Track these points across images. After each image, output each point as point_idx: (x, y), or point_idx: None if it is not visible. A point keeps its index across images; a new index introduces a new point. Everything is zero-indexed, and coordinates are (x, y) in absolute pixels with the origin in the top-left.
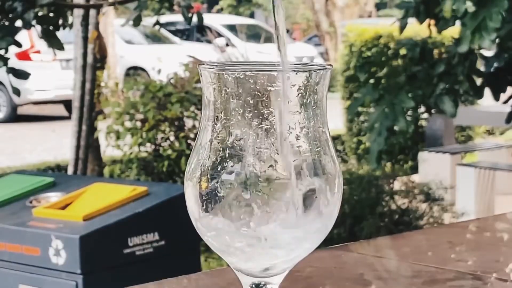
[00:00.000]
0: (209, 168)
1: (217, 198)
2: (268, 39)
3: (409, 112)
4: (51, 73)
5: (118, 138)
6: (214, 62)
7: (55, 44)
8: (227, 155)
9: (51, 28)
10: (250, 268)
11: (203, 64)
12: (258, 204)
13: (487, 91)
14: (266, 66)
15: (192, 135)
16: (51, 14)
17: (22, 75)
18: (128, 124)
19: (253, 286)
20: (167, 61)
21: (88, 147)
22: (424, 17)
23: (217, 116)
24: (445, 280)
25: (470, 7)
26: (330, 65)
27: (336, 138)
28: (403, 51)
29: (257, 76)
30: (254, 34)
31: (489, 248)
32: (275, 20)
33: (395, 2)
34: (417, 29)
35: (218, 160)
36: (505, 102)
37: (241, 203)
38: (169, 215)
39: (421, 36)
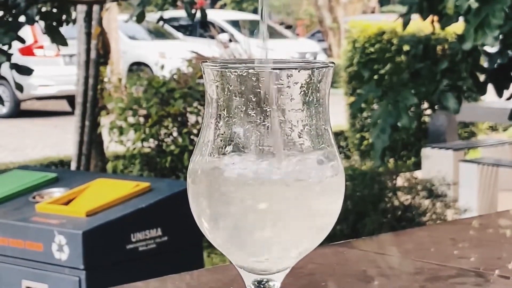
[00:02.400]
0: (212, 165)
1: (219, 195)
2: (271, 35)
3: (412, 108)
4: (54, 68)
5: (121, 133)
6: (217, 59)
7: (59, 39)
8: (230, 152)
9: (54, 23)
10: (252, 262)
11: (206, 61)
12: (261, 202)
13: (490, 88)
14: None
15: (195, 131)
16: (55, 10)
17: (25, 71)
18: (131, 119)
19: (256, 283)
20: (170, 56)
21: (91, 142)
22: (427, 13)
23: (220, 114)
24: (447, 277)
25: (473, 3)
26: (333, 62)
27: (339, 134)
28: (406, 47)
29: (259, 73)
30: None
31: (491, 245)
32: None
33: None
34: (420, 25)
35: (221, 158)
36: (508, 98)
37: (244, 201)
38: (172, 211)
39: (424, 32)
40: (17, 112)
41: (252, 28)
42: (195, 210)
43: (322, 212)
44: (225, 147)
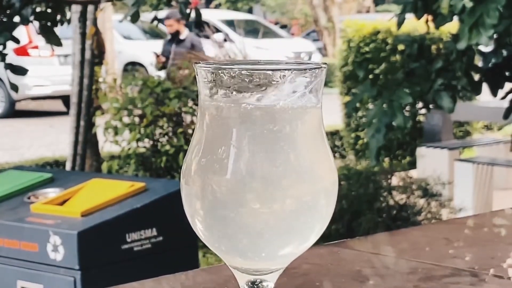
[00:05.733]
0: (205, 166)
1: (212, 195)
2: (266, 35)
3: (407, 108)
4: (49, 68)
5: (116, 133)
6: (210, 61)
7: (53, 39)
8: (223, 153)
9: (49, 24)
10: (246, 263)
11: (199, 63)
12: (253, 202)
13: (485, 87)
14: (262, 65)
15: (190, 131)
16: (49, 10)
17: (20, 71)
18: (126, 119)
19: (249, 283)
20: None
21: (86, 142)
22: (422, 13)
23: None
24: (441, 277)
25: (467, 3)
26: (325, 63)
27: (334, 134)
28: (401, 47)
29: (252, 74)
30: (252, 30)
31: (486, 244)
32: None
33: None
34: (415, 24)
35: (214, 158)
36: (503, 97)
37: (237, 202)
38: (167, 211)
39: (419, 32)
40: (12, 112)
41: (247, 28)
42: (188, 211)
43: (312, 204)
44: (218, 148)
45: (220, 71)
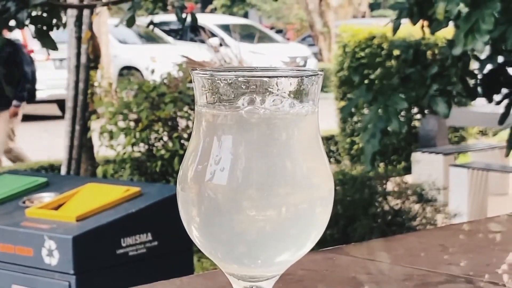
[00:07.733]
0: (201, 173)
1: (209, 202)
2: (262, 39)
3: (403, 113)
4: (44, 72)
5: (111, 138)
6: (206, 68)
7: (49, 44)
8: (219, 160)
9: (44, 28)
10: (243, 269)
11: (196, 69)
12: (250, 209)
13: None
14: (258, 72)
15: (185, 135)
16: (45, 14)
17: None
18: (121, 124)
19: None
20: (160, 61)
21: (81, 147)
22: (418, 18)
23: None
24: (436, 283)
25: (463, 8)
26: (322, 70)
27: (329, 139)
28: (396, 52)
29: (249, 81)
30: (248, 34)
31: (481, 250)
32: None
33: (389, 3)
34: (410, 30)
35: (211, 165)
36: (498, 103)
37: (233, 209)
38: (162, 216)
39: (415, 37)
40: None
41: (242, 32)
42: (184, 218)
43: (311, 216)
44: (215, 155)
45: (216, 78)
